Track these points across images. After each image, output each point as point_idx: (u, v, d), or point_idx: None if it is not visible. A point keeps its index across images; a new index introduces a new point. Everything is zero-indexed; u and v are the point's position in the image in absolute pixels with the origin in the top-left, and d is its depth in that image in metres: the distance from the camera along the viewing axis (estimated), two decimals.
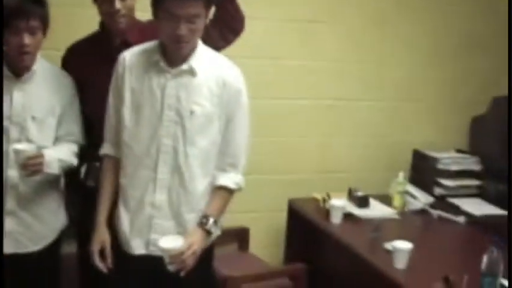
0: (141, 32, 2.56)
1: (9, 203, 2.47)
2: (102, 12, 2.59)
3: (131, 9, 2.59)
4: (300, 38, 3.74)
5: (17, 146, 2.35)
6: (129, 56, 2.36)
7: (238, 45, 2.73)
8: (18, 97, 2.46)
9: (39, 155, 2.37)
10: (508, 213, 3.26)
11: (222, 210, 2.40)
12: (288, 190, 3.71)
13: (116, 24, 2.57)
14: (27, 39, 2.36)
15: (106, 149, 2.44)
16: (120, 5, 2.51)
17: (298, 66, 3.76)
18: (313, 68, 3.80)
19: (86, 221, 2.53)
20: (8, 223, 2.48)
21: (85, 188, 2.65)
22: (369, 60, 3.92)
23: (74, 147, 2.59)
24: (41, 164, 2.37)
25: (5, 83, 2.45)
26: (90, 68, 2.59)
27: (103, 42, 2.65)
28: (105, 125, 2.43)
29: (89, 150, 2.63)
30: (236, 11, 2.70)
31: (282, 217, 3.67)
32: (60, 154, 2.50)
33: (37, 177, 2.45)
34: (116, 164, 2.40)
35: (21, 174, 2.40)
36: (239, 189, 2.41)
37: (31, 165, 2.34)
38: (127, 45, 2.49)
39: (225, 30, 2.69)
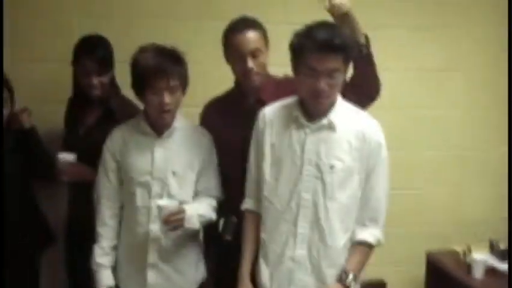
0: (275, 90, 2.60)
1: (151, 256, 2.56)
2: (236, 72, 2.64)
3: (264, 67, 2.62)
4: (432, 88, 3.68)
5: (160, 202, 2.44)
6: (269, 111, 2.41)
7: None
8: (160, 153, 2.56)
9: (181, 211, 2.44)
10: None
11: (361, 266, 2.35)
12: (425, 242, 3.61)
13: (250, 83, 2.60)
14: (167, 98, 2.45)
15: (247, 204, 2.47)
16: (253, 64, 2.55)
17: (431, 116, 3.70)
18: (446, 117, 3.73)
19: (223, 274, 2.58)
20: (150, 276, 2.57)
21: (222, 241, 2.68)
22: (500, 109, 3.78)
23: (213, 202, 2.64)
24: (182, 219, 2.44)
25: (147, 140, 2.57)
26: (224, 125, 2.66)
27: (238, 100, 2.69)
28: (246, 180, 2.47)
29: (226, 204, 2.68)
30: (374, 76, 2.59)
31: (420, 270, 3.56)
32: (200, 209, 2.55)
33: (178, 232, 2.52)
34: (257, 218, 2.42)
35: (164, 229, 2.48)
36: (379, 244, 2.36)
37: (173, 221, 2.41)
38: (261, 103, 2.53)
39: (362, 96, 2.55)
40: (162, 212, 2.41)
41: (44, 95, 3.27)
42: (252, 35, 2.55)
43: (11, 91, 2.77)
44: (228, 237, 2.64)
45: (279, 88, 2.59)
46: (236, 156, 2.58)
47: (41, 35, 3.24)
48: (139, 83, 2.49)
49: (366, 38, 2.50)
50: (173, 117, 2.57)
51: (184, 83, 2.53)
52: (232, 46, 2.57)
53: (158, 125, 2.56)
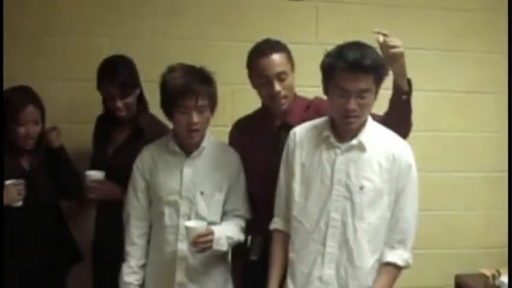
0: (303, 113, 2.59)
1: (179, 275, 2.55)
2: (262, 95, 2.62)
3: (291, 89, 2.60)
4: (462, 109, 3.67)
5: (188, 224, 2.43)
6: (300, 131, 2.42)
7: None
8: (188, 173, 2.56)
9: (210, 233, 2.43)
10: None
11: (388, 287, 2.33)
12: (454, 265, 3.56)
13: (277, 107, 2.58)
14: (195, 118, 2.46)
15: (276, 224, 2.47)
16: (280, 87, 2.53)
17: (461, 137, 3.68)
18: (476, 139, 3.70)
19: None
20: None
21: (248, 260, 2.69)
22: None
23: (242, 223, 2.63)
24: (211, 241, 2.42)
25: (176, 159, 2.58)
26: (251, 145, 2.66)
27: (265, 121, 2.68)
28: (276, 199, 2.48)
29: (253, 223, 2.68)
30: (408, 121, 2.50)
31: None
32: (229, 231, 2.54)
33: (206, 253, 2.50)
34: (286, 238, 2.41)
35: (191, 251, 2.47)
36: (407, 266, 2.34)
37: (201, 243, 2.40)
38: (289, 127, 2.53)
39: (401, 128, 2.44)
40: (190, 234, 2.39)
41: (73, 113, 3.32)
42: (277, 58, 2.53)
43: (42, 109, 2.81)
44: (254, 257, 2.65)
45: (307, 111, 2.60)
46: (262, 177, 2.60)
47: (72, 54, 3.30)
48: (167, 103, 2.51)
49: (409, 82, 2.45)
50: (202, 137, 2.58)
51: (212, 103, 2.53)
52: (257, 70, 2.56)
53: (187, 145, 2.57)
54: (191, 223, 2.44)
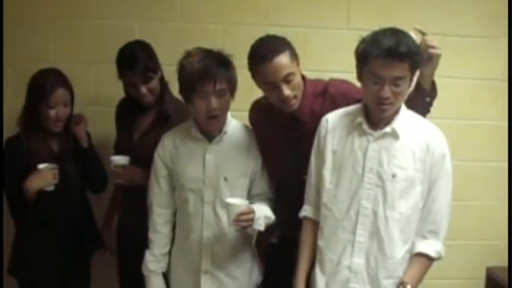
0: (311, 104, 2.51)
1: (205, 263, 2.55)
2: (271, 99, 2.49)
3: (299, 86, 2.46)
4: (493, 98, 3.58)
5: (230, 201, 2.38)
6: (332, 118, 2.38)
7: (438, 106, 2.64)
8: (211, 159, 2.53)
9: (251, 211, 2.38)
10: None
11: (419, 279, 2.29)
12: (486, 257, 3.51)
13: (288, 109, 2.47)
14: (214, 103, 2.40)
15: (306, 212, 2.44)
16: (288, 90, 2.40)
17: (494, 126, 3.59)
18: (507, 128, 3.61)
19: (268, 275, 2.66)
20: (204, 282, 2.56)
21: (268, 243, 2.69)
22: None
23: (272, 205, 2.60)
24: (252, 220, 2.38)
25: (198, 145, 2.55)
26: (266, 132, 2.61)
27: (277, 110, 2.54)
28: (306, 187, 2.45)
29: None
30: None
31: (479, 286, 3.47)
32: (266, 211, 2.50)
33: (231, 237, 2.50)
34: (316, 226, 2.39)
35: (231, 228, 2.43)
36: (439, 257, 2.30)
37: (243, 221, 2.36)
38: (298, 120, 2.50)
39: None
40: (232, 211, 2.34)
41: (103, 97, 3.33)
42: (281, 61, 2.37)
43: (71, 92, 2.81)
44: (274, 240, 2.63)
45: (316, 99, 2.52)
46: (272, 164, 2.58)
47: (103, 37, 3.30)
48: (185, 88, 2.46)
49: (434, 85, 2.38)
50: (222, 122, 2.53)
51: (232, 87, 2.47)
52: (261, 76, 2.42)
53: (208, 130, 2.54)
54: (233, 200, 2.39)
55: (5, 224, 2.91)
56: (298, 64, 2.45)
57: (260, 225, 2.43)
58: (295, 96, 2.44)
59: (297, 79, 2.44)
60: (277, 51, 2.37)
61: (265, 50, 2.38)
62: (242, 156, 2.57)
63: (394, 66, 2.11)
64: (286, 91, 2.39)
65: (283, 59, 2.37)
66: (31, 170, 2.69)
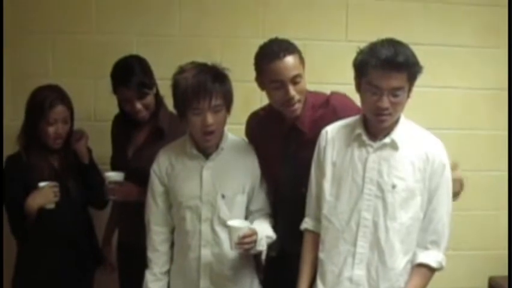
0: (311, 114, 2.51)
1: (203, 282, 2.51)
2: (275, 100, 2.48)
3: (304, 92, 2.47)
4: (495, 107, 3.59)
5: (232, 224, 2.34)
6: (331, 129, 2.38)
7: (437, 116, 2.65)
8: (207, 176, 2.49)
9: (254, 233, 2.33)
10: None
11: None
12: (487, 266, 3.50)
13: (290, 112, 2.46)
14: (210, 119, 2.36)
15: (307, 224, 2.44)
16: (294, 92, 2.40)
17: (495, 136, 3.60)
18: (506, 137, 3.61)
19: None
20: None
21: (267, 257, 2.67)
22: None
23: (271, 221, 2.57)
24: (254, 241, 2.33)
25: (194, 162, 2.51)
26: (263, 144, 2.60)
27: (275, 123, 2.56)
28: (307, 199, 2.44)
29: None
30: None
31: None
32: (266, 230, 2.47)
33: (230, 255, 2.46)
34: (316, 238, 2.38)
35: (234, 251, 2.39)
36: (440, 268, 2.29)
37: (246, 243, 2.31)
38: (297, 130, 2.49)
39: None
40: (234, 234, 2.30)
41: (101, 112, 3.33)
42: (291, 60, 2.39)
43: (71, 108, 2.81)
44: (273, 254, 2.60)
45: (317, 110, 2.52)
46: (271, 176, 2.57)
47: (101, 52, 3.30)
48: (180, 105, 2.41)
49: None
50: (219, 138, 2.50)
51: (228, 102, 2.43)
52: (270, 74, 2.41)
53: (204, 146, 2.50)
54: (234, 222, 2.35)
55: (6, 240, 2.90)
56: (304, 71, 2.47)
57: (263, 246, 2.40)
58: (299, 100, 2.44)
59: (303, 84, 2.45)
60: (289, 51, 2.41)
61: (277, 48, 2.41)
62: (240, 172, 2.54)
63: (392, 77, 2.11)
64: (293, 91, 2.40)
65: (293, 59, 2.40)
66: (32, 187, 2.69)
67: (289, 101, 2.41)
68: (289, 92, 2.39)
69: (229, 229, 2.32)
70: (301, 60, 2.46)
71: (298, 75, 2.41)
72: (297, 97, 2.41)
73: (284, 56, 2.38)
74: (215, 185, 2.49)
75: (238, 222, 2.36)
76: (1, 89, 3.16)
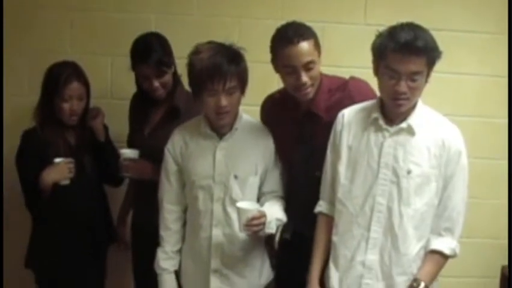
0: (326, 98, 2.51)
1: (214, 262, 2.51)
2: (287, 84, 2.47)
3: (317, 78, 2.46)
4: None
5: (240, 205, 2.34)
6: (348, 113, 2.37)
7: (452, 103, 2.62)
8: (221, 156, 2.49)
9: (263, 215, 2.33)
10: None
11: (434, 276, 2.29)
12: (500, 255, 3.46)
13: (302, 96, 2.45)
14: (224, 101, 2.36)
15: (321, 207, 2.43)
16: (306, 78, 2.39)
17: (508, 124, 3.53)
18: None
19: (281, 272, 2.63)
20: (214, 281, 2.53)
21: (280, 240, 2.65)
22: None
23: (283, 203, 2.57)
24: (263, 224, 2.33)
25: (208, 142, 2.51)
26: (278, 127, 2.59)
27: (290, 107, 2.56)
28: (322, 182, 2.44)
29: None
30: None
31: (494, 284, 3.42)
32: (277, 213, 2.46)
33: (241, 236, 2.46)
34: (330, 222, 2.38)
35: (242, 233, 2.39)
36: (454, 255, 2.29)
37: (255, 225, 2.31)
38: (312, 114, 2.48)
39: None
40: (243, 216, 2.30)
41: (119, 89, 3.34)
42: (305, 46, 2.37)
43: (87, 85, 2.81)
44: (287, 237, 2.59)
45: (333, 94, 2.51)
46: (286, 159, 2.57)
47: (119, 30, 3.29)
48: (195, 85, 2.42)
49: None
50: (232, 119, 2.49)
51: (242, 84, 2.43)
52: (283, 59, 2.41)
53: (217, 127, 2.50)
54: (244, 204, 2.34)
55: (20, 218, 2.94)
56: (319, 56, 2.45)
57: (272, 229, 2.40)
58: (312, 85, 2.43)
59: (316, 70, 2.43)
60: (304, 37, 2.38)
61: (293, 33, 2.38)
62: (254, 153, 2.53)
63: (411, 61, 2.10)
64: (305, 78, 2.38)
65: (308, 45, 2.38)
66: (47, 163, 2.70)
67: (300, 86, 2.41)
68: (301, 78, 2.38)
69: (238, 211, 2.33)
70: (317, 46, 2.43)
71: (312, 62, 2.39)
72: (309, 82, 2.41)
73: (298, 41, 2.36)
74: (228, 165, 2.49)
75: (247, 204, 2.36)
76: (1, 62, 3.20)
